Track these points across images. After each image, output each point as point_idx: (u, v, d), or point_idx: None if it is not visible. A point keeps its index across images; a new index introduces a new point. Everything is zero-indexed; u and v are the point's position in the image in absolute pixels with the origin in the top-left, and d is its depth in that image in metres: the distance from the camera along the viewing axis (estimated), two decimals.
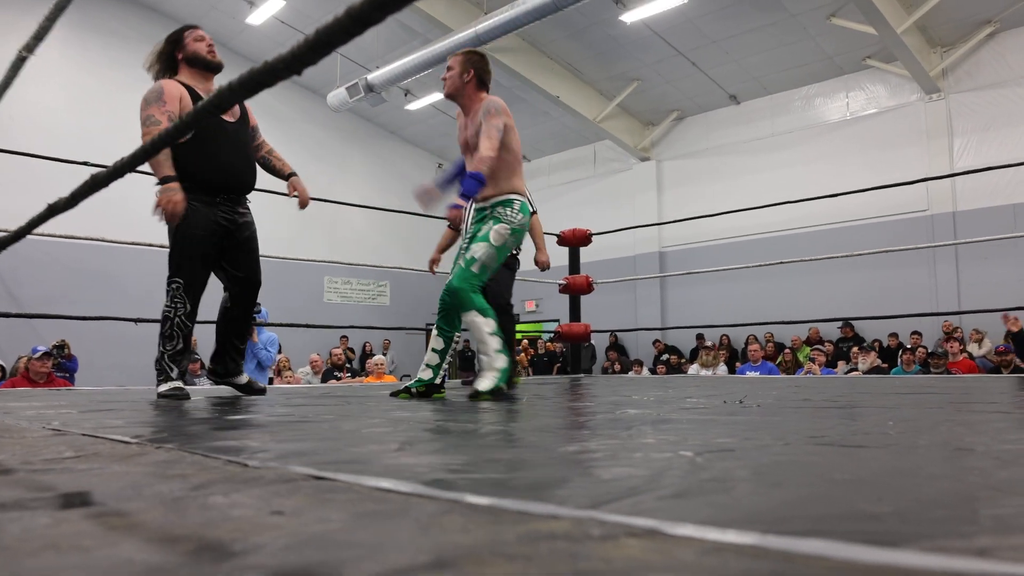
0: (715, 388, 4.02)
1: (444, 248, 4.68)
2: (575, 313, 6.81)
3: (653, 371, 11.96)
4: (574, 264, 6.88)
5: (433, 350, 3.39)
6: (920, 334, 10.56)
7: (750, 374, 8.03)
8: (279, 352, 7.92)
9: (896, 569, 0.56)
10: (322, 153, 15.28)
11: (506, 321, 4.48)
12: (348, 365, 10.44)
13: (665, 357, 12.54)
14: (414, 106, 14.85)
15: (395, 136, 16.52)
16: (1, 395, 3.80)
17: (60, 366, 8.29)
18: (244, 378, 3.59)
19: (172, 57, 3.36)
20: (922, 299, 10.86)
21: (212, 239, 3.31)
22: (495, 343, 3.24)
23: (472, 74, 3.45)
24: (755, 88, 13.08)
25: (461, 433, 1.77)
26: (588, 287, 6.66)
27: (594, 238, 6.81)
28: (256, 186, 3.57)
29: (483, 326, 3.24)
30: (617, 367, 12.64)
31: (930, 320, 10.77)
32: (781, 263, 6.67)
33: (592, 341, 13.27)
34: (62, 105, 12.00)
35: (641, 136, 14.55)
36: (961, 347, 8.74)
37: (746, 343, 10.23)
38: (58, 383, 7.26)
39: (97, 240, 4.89)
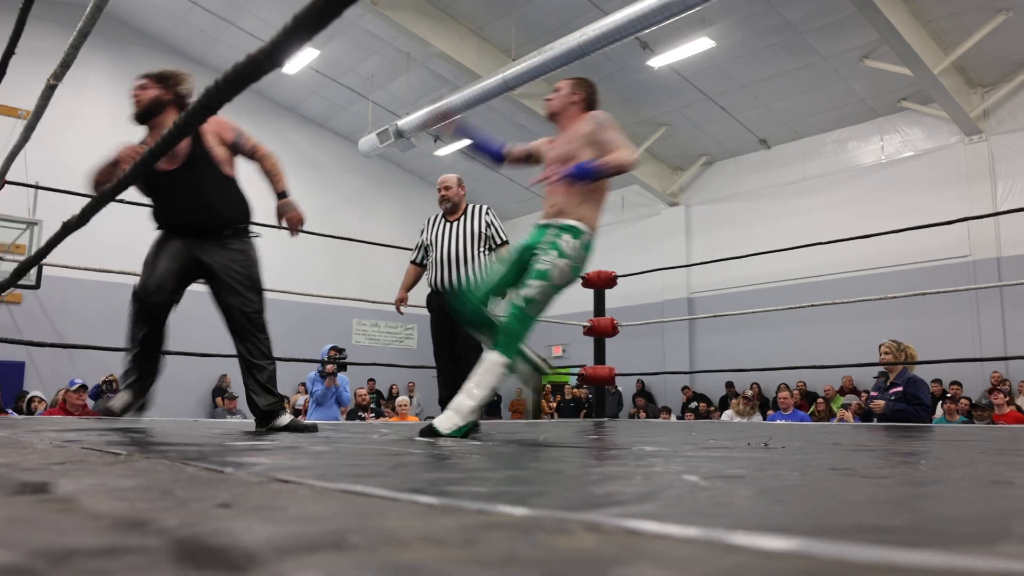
0: (741, 432, 3.89)
1: (410, 286, 4.65)
2: (600, 356, 6.70)
3: (681, 418, 11.73)
4: (599, 306, 6.79)
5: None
6: (960, 384, 9.98)
7: (780, 422, 7.82)
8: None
9: (899, 568, 0.48)
10: (354, 197, 15.45)
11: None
12: (372, 406, 10.38)
13: (694, 405, 12.29)
14: (443, 152, 14.96)
15: (424, 181, 16.60)
16: (36, 421, 3.83)
17: (109, 400, 8.64)
18: (285, 419, 3.26)
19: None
20: (965, 348, 10.26)
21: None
22: (485, 397, 2.91)
23: (582, 97, 3.31)
24: (786, 132, 12.95)
25: (458, 456, 1.70)
26: (613, 329, 6.56)
27: (621, 283, 6.71)
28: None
29: (493, 377, 2.91)
30: (643, 414, 12.42)
31: (973, 371, 10.26)
32: (812, 306, 6.52)
33: (619, 387, 13.08)
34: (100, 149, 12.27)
35: (670, 181, 14.48)
36: (1007, 399, 8.37)
37: (777, 391, 9.98)
38: (94, 415, 7.33)
39: (132, 274, 5.03)
